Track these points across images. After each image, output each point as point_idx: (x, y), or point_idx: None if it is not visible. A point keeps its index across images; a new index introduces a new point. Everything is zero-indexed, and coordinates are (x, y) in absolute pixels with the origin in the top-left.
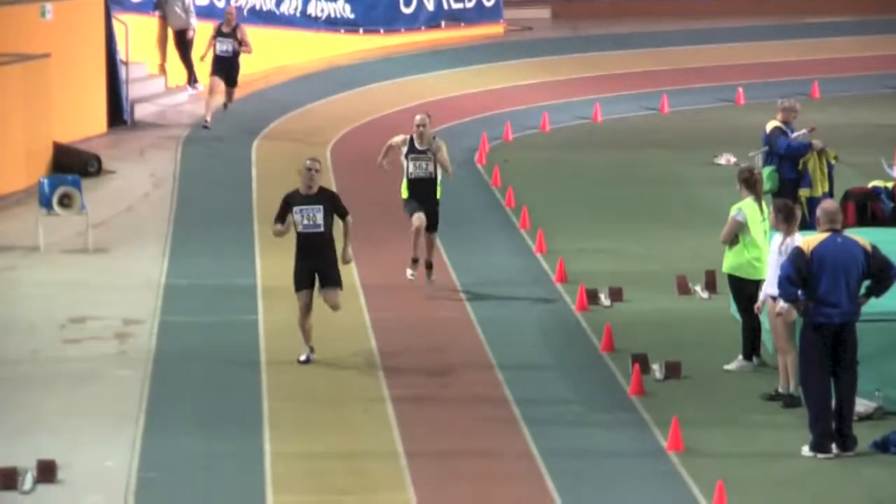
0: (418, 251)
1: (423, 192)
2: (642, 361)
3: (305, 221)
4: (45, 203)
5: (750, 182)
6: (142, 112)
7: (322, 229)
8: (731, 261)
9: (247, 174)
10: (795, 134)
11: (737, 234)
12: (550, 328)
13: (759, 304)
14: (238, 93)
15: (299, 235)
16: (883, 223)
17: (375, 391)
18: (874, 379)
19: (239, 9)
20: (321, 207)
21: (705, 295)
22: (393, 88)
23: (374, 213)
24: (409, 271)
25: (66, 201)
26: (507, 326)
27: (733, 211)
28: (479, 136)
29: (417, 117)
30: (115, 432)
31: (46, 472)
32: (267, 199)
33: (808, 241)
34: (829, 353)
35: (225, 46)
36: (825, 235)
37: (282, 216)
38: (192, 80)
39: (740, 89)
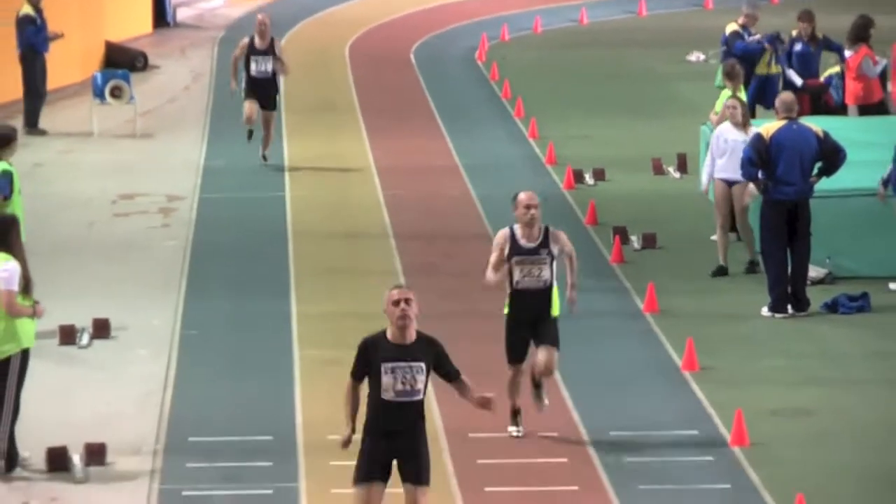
0: (516, 397)
1: (534, 308)
2: (622, 233)
3: (399, 386)
4: (99, 94)
5: (731, 74)
6: (183, 15)
7: (420, 396)
8: None
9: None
10: (750, 38)
11: None
12: (542, 204)
13: (704, 186)
14: None
15: (383, 404)
16: (834, 112)
17: (388, 262)
18: (825, 248)
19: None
20: (422, 366)
21: (677, 175)
22: None
23: (389, 102)
24: (511, 428)
25: (116, 93)
26: (504, 203)
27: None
28: (478, 37)
29: (522, 195)
30: (160, 295)
31: (101, 329)
32: (292, 90)
33: (766, 127)
34: (786, 226)
35: (262, 66)
36: (782, 123)
37: (359, 371)
38: None
39: None
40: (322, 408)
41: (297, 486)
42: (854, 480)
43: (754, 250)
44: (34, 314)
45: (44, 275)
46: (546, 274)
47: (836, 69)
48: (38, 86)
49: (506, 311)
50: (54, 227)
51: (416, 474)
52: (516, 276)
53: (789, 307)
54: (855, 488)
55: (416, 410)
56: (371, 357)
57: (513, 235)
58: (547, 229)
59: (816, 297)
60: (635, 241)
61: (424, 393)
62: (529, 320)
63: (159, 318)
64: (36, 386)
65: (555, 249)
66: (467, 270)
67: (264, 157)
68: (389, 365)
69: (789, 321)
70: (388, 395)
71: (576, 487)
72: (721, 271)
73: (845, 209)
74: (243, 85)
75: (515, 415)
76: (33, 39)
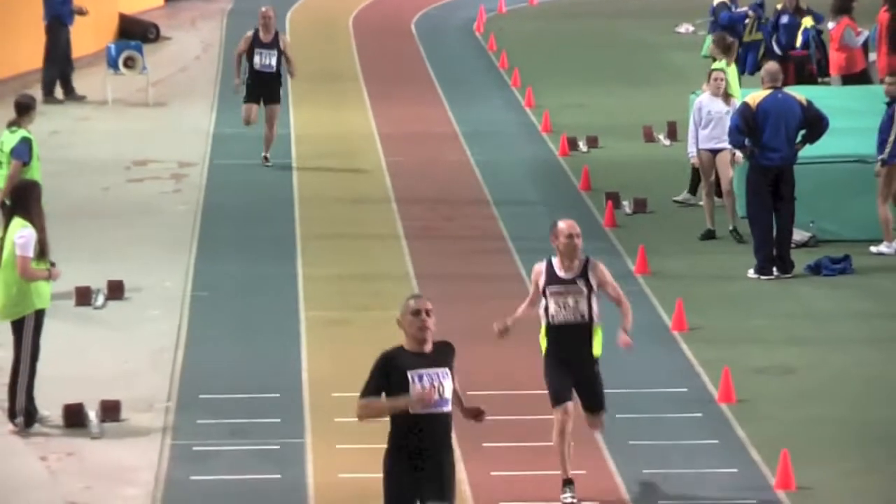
0: (567, 464)
1: (572, 345)
2: (614, 198)
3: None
4: (113, 64)
5: (728, 48)
6: None
7: (449, 407)
8: None
9: None
10: (736, 10)
11: None
12: (537, 170)
13: (694, 160)
14: None
15: (411, 421)
16: (817, 81)
17: (390, 225)
18: (809, 212)
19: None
20: (447, 371)
21: (667, 142)
22: None
23: (391, 71)
24: (565, 496)
25: (129, 63)
26: (501, 169)
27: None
28: (477, 9)
29: (563, 224)
30: (172, 258)
31: (115, 290)
32: (299, 61)
33: (753, 96)
34: (771, 190)
35: (266, 60)
36: (768, 92)
37: (375, 387)
38: None
39: None
40: (327, 366)
41: (304, 442)
42: (836, 436)
43: (735, 217)
44: (49, 277)
45: (60, 238)
46: (583, 306)
47: (810, 22)
48: (62, 56)
49: (543, 350)
50: (70, 192)
51: (445, 495)
52: (551, 309)
53: (774, 269)
54: (837, 443)
55: (444, 425)
56: (392, 369)
57: (549, 266)
58: (587, 260)
59: (800, 259)
60: (627, 205)
61: (451, 402)
62: (569, 360)
63: (171, 280)
64: (53, 345)
65: (593, 281)
66: (466, 233)
67: (265, 159)
68: (417, 372)
69: (774, 282)
70: (417, 407)
71: (571, 443)
72: (709, 234)
73: (828, 175)
74: (245, 81)
75: (567, 484)
76: (59, 10)
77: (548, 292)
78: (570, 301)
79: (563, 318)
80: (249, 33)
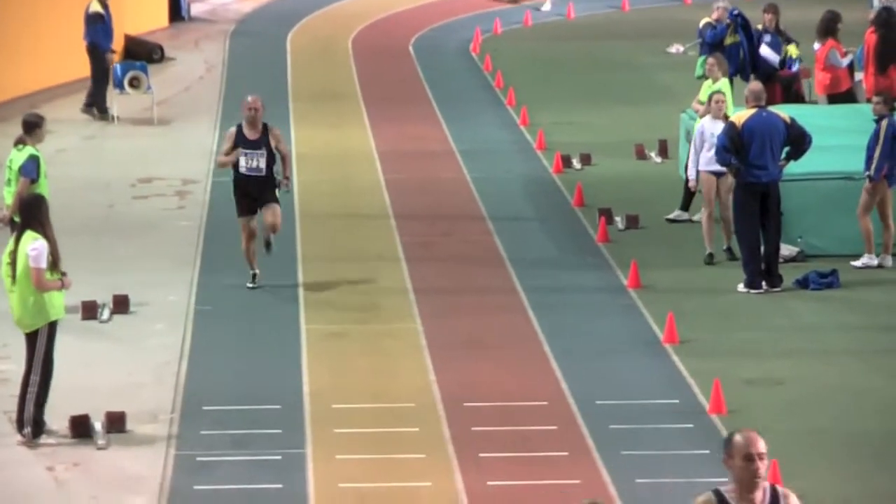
0: None
1: None
2: (607, 214)
3: None
4: (118, 84)
5: (725, 68)
6: (196, 10)
7: None
8: None
9: (283, 60)
10: (719, 26)
11: None
12: (532, 187)
13: (692, 182)
14: None
15: None
16: (802, 101)
17: (389, 241)
18: (796, 228)
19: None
20: None
21: (658, 160)
22: None
23: (389, 91)
24: None
25: (135, 83)
26: (497, 185)
27: (711, 90)
28: (473, 30)
29: (739, 438)
30: (176, 273)
31: (121, 305)
32: (300, 82)
33: (738, 116)
34: (758, 206)
35: (254, 162)
36: (753, 111)
37: None
38: None
39: None
40: (327, 378)
41: (304, 453)
42: (824, 445)
43: (731, 237)
44: (62, 286)
45: (66, 254)
46: None
47: (795, 52)
48: (104, 75)
49: None
50: (77, 209)
51: None
52: None
53: (763, 283)
54: (825, 453)
55: None
56: None
57: (722, 500)
58: (774, 489)
59: (788, 274)
60: (619, 221)
61: None
62: None
63: (175, 295)
64: (60, 358)
65: None
66: (462, 249)
67: (267, 244)
68: None
69: (763, 296)
70: None
71: (565, 453)
72: (710, 259)
73: (816, 191)
74: (232, 190)
75: None
76: (97, 36)
77: None
78: None
79: None
80: (233, 129)
